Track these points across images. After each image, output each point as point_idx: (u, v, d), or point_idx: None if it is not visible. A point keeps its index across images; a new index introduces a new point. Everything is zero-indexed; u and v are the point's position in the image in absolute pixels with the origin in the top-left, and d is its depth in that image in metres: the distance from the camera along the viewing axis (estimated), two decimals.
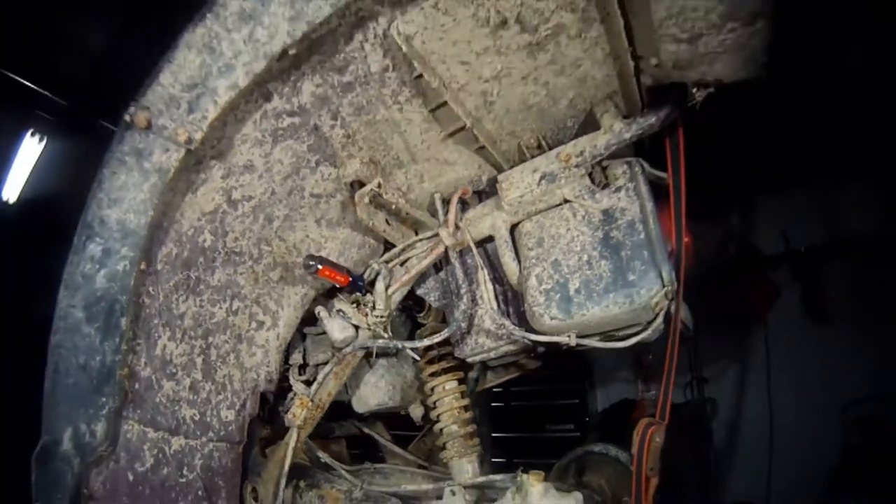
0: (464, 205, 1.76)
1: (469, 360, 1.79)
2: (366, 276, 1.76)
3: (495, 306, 1.60)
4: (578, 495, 1.45)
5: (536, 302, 1.48)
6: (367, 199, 1.57)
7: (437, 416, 1.93)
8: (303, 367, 1.89)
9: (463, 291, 1.66)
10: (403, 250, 1.77)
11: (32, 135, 3.83)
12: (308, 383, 1.81)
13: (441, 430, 1.92)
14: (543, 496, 1.45)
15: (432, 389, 1.95)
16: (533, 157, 1.61)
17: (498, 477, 1.73)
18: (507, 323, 1.57)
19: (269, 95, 1.38)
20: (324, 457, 1.93)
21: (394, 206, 1.65)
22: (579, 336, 1.45)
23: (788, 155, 3.24)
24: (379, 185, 1.56)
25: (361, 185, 1.61)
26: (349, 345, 1.71)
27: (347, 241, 1.77)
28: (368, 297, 1.73)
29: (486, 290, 1.61)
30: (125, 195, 1.33)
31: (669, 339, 1.46)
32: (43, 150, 3.91)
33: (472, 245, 1.65)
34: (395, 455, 2.35)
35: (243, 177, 1.50)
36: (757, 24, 1.17)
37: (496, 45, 1.33)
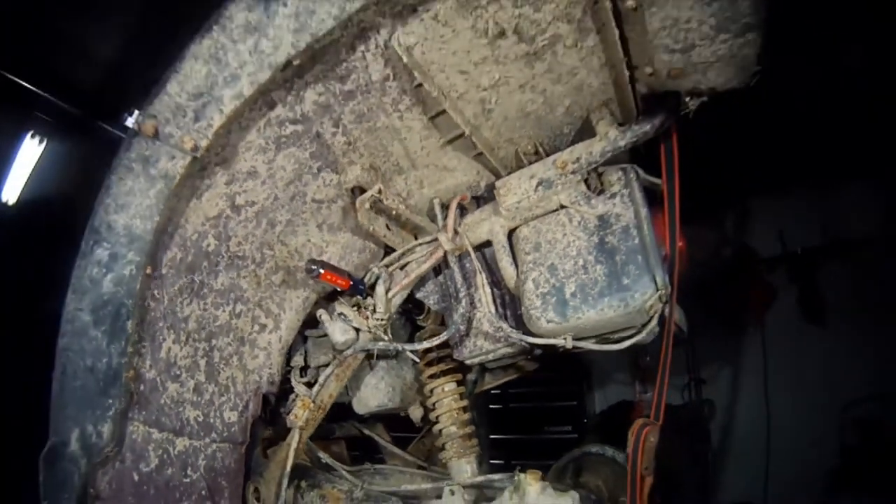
0: (462, 210, 1.78)
1: (467, 362, 1.81)
2: (366, 279, 1.78)
3: (493, 309, 1.63)
4: (575, 494, 1.47)
5: (533, 305, 1.50)
6: (367, 205, 1.59)
7: (437, 417, 1.96)
8: (304, 369, 1.92)
9: (462, 295, 1.68)
10: (403, 254, 1.80)
11: (32, 136, 3.82)
12: (309, 385, 1.83)
13: (440, 430, 1.94)
14: (540, 494, 1.47)
15: (431, 391, 1.97)
16: (530, 163, 1.63)
17: (496, 476, 1.75)
18: (505, 326, 1.59)
19: (272, 104, 1.41)
20: (325, 457, 1.94)
21: (394, 212, 1.67)
22: (575, 339, 1.48)
23: (785, 156, 3.24)
24: (379, 191, 1.59)
25: (362, 190, 1.63)
26: (350, 347, 1.73)
27: (348, 246, 1.79)
28: (369, 300, 1.75)
29: (485, 293, 1.64)
30: (132, 201, 1.36)
31: (664, 342, 1.49)
32: (43, 152, 3.91)
33: (470, 249, 1.68)
34: (394, 456, 2.36)
35: (247, 183, 1.53)
36: (748, 35, 1.20)
37: (494, 54, 1.36)
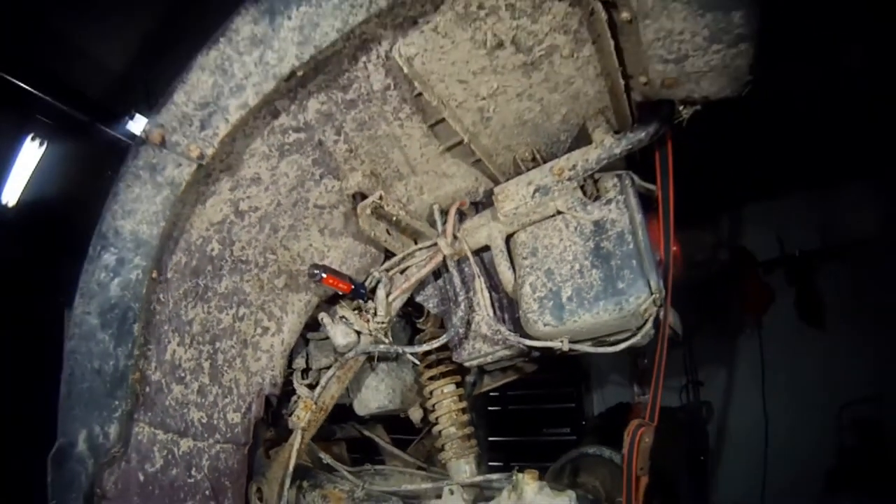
0: (461, 216, 1.81)
1: (466, 364, 1.83)
2: (367, 283, 1.81)
3: (491, 313, 1.65)
4: (572, 493, 1.49)
5: (531, 309, 1.53)
6: (368, 211, 1.62)
7: (436, 418, 1.98)
8: (306, 372, 1.94)
9: (461, 298, 1.71)
10: (403, 259, 1.82)
11: (32, 139, 3.83)
12: (311, 387, 1.85)
13: (439, 431, 1.97)
14: (538, 494, 1.49)
15: (431, 393, 2.00)
16: (528, 170, 1.66)
17: (494, 476, 1.77)
18: (503, 329, 1.62)
19: (276, 113, 1.44)
20: (326, 458, 1.97)
21: (394, 217, 1.70)
22: (571, 341, 1.50)
23: (784, 158, 3.24)
24: (380, 197, 1.61)
25: (363, 196, 1.67)
26: (351, 350, 1.75)
27: (350, 251, 1.82)
28: (370, 303, 1.78)
29: (483, 297, 1.66)
30: (139, 207, 1.39)
31: (658, 344, 1.51)
32: (43, 155, 3.92)
33: (469, 254, 1.70)
34: (394, 457, 2.38)
35: (250, 189, 1.56)
36: (741, 45, 1.22)
37: (493, 64, 1.39)
